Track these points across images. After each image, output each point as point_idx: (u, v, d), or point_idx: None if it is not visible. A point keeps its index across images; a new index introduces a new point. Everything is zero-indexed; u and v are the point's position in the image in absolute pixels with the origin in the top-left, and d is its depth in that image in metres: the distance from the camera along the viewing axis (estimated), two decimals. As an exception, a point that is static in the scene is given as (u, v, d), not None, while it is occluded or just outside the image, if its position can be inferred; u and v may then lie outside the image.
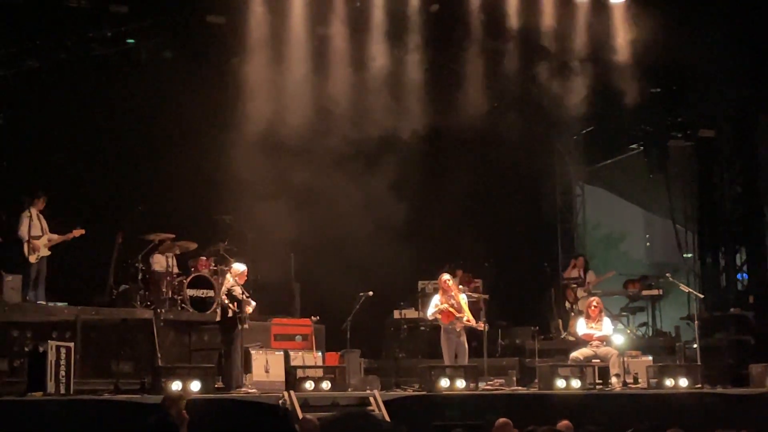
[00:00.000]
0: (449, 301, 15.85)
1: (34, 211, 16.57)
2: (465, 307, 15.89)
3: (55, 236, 16.60)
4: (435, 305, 15.99)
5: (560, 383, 15.05)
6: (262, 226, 18.46)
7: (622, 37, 19.03)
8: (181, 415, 11.64)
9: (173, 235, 17.39)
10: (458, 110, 19.64)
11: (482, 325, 16.09)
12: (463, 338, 15.83)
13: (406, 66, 19.47)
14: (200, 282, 17.39)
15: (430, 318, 16.33)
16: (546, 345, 18.95)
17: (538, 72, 19.96)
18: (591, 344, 16.36)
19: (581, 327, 16.75)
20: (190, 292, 17.10)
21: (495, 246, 21.09)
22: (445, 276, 16.22)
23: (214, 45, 18.93)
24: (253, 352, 15.59)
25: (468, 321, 15.79)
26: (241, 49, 18.43)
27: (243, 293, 14.80)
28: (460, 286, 16.88)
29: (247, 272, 15.36)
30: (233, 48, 18.70)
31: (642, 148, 22.87)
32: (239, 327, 14.62)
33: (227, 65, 19.01)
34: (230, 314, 14.67)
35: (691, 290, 18.60)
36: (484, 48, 19.59)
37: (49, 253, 16.59)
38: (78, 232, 16.71)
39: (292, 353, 16.14)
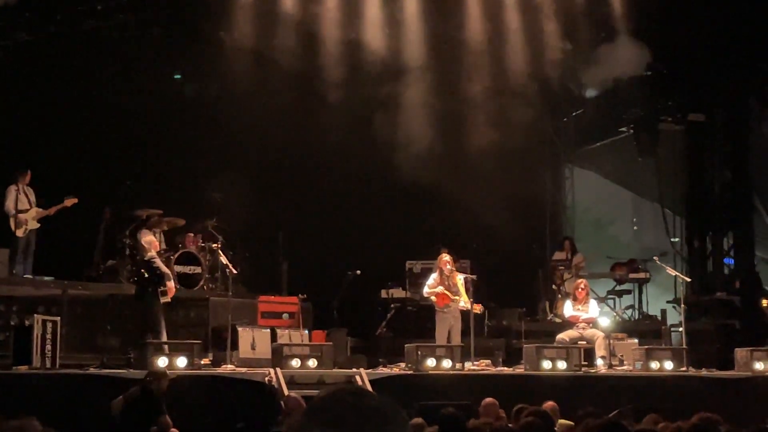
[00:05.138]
0: (445, 283, 15.84)
1: (20, 186, 16.48)
2: (461, 289, 15.89)
3: (52, 209, 16.51)
4: (430, 285, 15.98)
5: (546, 365, 15.08)
6: (251, 204, 18.43)
7: (615, 19, 18.99)
8: (161, 391, 11.70)
9: (161, 211, 17.35)
10: (451, 90, 19.64)
11: (479, 308, 16.08)
12: (458, 320, 15.85)
13: (401, 39, 19.33)
14: (188, 258, 17.36)
15: (425, 295, 16.34)
16: (532, 326, 18.98)
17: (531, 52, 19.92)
18: (577, 326, 16.41)
19: (568, 309, 16.79)
20: (178, 268, 17.07)
21: (483, 227, 21.08)
22: (446, 257, 16.18)
23: (203, 18, 18.84)
24: (240, 329, 15.59)
25: (465, 305, 15.78)
26: (230, 22, 18.32)
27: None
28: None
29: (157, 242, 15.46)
30: (222, 21, 18.60)
31: (632, 131, 22.85)
32: (159, 300, 14.58)
33: (216, 39, 18.91)
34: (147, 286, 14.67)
35: (678, 274, 18.64)
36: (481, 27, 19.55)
37: (38, 225, 16.51)
38: (70, 201, 16.59)
39: (278, 331, 16.14)
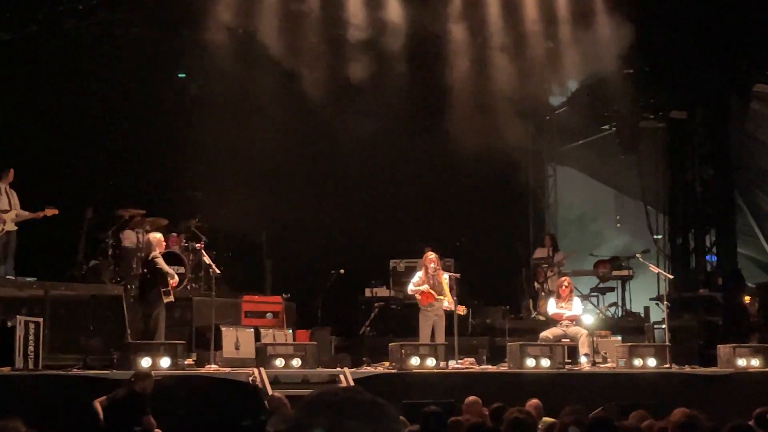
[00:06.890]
0: (429, 282, 15.82)
1: (2, 185, 16.31)
2: (446, 288, 15.87)
3: (25, 213, 16.35)
4: (415, 283, 15.96)
5: (530, 362, 15.10)
6: (234, 203, 18.41)
7: (597, 18, 19.04)
8: (146, 392, 11.67)
9: (144, 211, 17.30)
10: (433, 87, 19.66)
11: (463, 309, 16.05)
12: (441, 318, 15.84)
13: (382, 32, 19.29)
14: (171, 258, 17.28)
15: (410, 293, 16.33)
16: (516, 324, 19.00)
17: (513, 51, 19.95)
18: (561, 324, 16.43)
19: (551, 306, 16.82)
20: (161, 268, 17.02)
21: (467, 225, 21.12)
22: (431, 255, 16.15)
23: (184, 18, 18.79)
24: (223, 328, 15.56)
25: (449, 305, 15.74)
26: (211, 20, 18.27)
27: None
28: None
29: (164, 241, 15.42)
30: (203, 21, 18.56)
31: (614, 129, 22.92)
32: (162, 300, 14.54)
33: (197, 39, 18.87)
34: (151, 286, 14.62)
35: (660, 271, 18.70)
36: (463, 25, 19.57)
37: (15, 228, 16.34)
38: (51, 212, 16.41)
39: (262, 330, 16.12)
